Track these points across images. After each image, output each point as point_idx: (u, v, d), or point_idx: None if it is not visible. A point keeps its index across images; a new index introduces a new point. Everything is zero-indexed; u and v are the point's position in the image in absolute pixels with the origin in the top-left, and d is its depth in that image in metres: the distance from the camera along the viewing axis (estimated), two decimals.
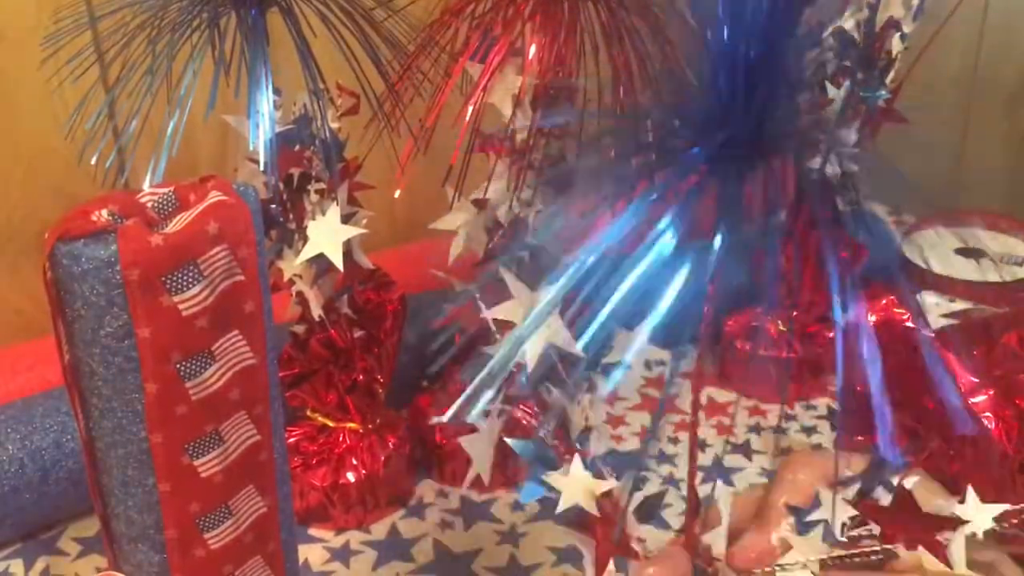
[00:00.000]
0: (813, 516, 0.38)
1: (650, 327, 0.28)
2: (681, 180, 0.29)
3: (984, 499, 0.53)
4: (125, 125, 0.49)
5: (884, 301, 0.58)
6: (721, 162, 0.30)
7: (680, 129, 0.30)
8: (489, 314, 0.38)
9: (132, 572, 0.44)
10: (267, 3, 0.50)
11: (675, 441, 0.67)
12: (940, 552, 0.37)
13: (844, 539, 0.38)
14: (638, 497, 0.37)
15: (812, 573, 0.37)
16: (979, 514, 0.38)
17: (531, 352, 0.32)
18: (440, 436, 0.64)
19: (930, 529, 0.37)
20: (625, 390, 0.72)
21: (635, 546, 0.38)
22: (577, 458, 0.37)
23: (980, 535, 0.37)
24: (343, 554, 0.59)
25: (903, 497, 0.38)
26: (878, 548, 0.38)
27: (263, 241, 0.42)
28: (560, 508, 0.37)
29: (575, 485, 0.37)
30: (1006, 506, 0.38)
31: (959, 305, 0.64)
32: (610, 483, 0.37)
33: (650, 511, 0.38)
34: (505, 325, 0.39)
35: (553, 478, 0.37)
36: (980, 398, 0.52)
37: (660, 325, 0.30)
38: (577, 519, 0.38)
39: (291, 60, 0.51)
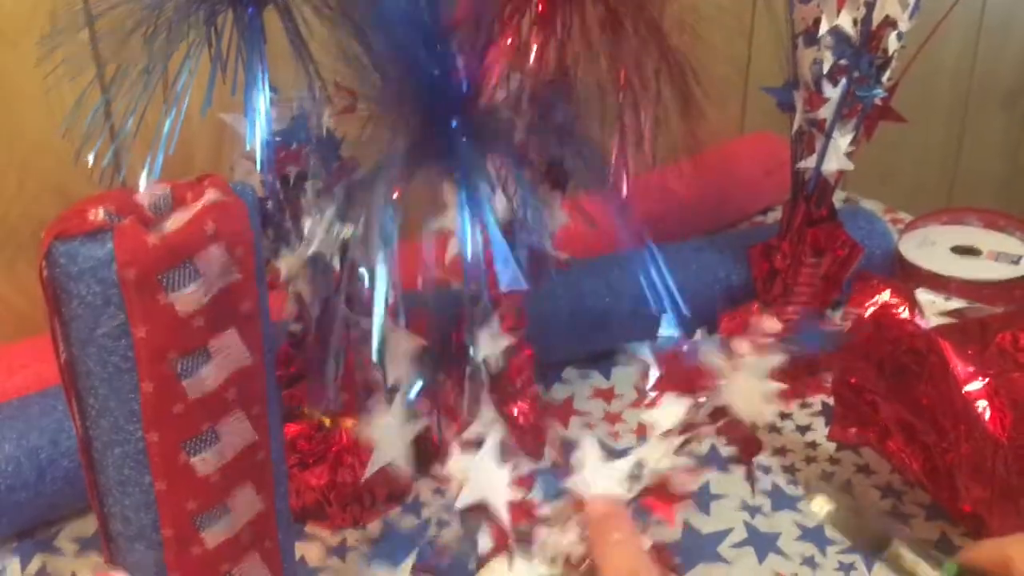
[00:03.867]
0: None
1: None
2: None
3: (976, 491, 0.54)
4: (122, 124, 0.49)
5: (879, 296, 0.58)
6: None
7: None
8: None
9: (129, 571, 0.44)
10: (263, 1, 0.50)
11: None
12: None
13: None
14: None
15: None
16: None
17: None
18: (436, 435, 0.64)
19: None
20: (621, 386, 0.72)
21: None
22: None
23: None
24: (340, 552, 0.59)
25: None
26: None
27: (260, 240, 0.42)
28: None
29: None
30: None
31: (955, 303, 0.64)
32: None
33: None
34: None
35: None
36: (974, 386, 0.52)
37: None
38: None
39: (288, 58, 0.51)
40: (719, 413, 0.40)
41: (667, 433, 0.40)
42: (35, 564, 0.58)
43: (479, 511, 0.40)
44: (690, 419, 0.40)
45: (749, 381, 0.41)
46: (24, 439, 0.57)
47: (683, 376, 0.40)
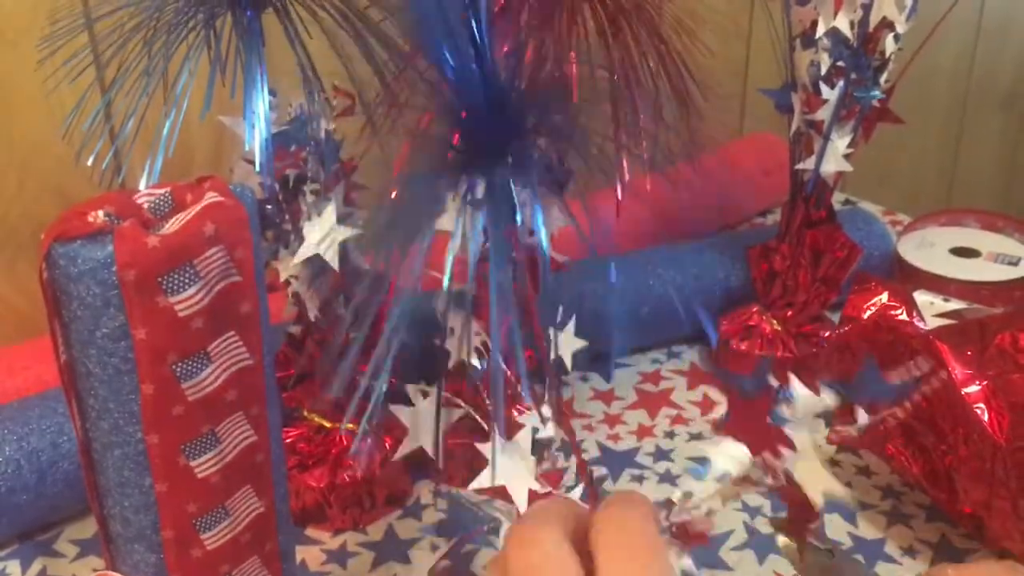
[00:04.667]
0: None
1: None
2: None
3: (975, 493, 0.54)
4: (121, 126, 0.49)
5: (878, 297, 0.58)
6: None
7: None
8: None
9: (129, 573, 0.44)
10: (263, 4, 0.50)
11: (671, 435, 0.67)
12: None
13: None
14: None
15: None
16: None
17: None
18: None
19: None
20: (621, 388, 0.73)
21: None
22: None
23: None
24: (340, 555, 0.59)
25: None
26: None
27: (259, 242, 0.42)
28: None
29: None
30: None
31: (954, 305, 0.64)
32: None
33: None
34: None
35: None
36: (973, 388, 0.52)
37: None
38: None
39: (287, 61, 0.51)
40: (780, 474, 0.39)
41: (721, 477, 0.39)
42: (36, 567, 0.58)
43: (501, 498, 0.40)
44: (747, 472, 0.39)
45: (816, 461, 0.39)
46: (24, 441, 0.57)
47: (755, 429, 0.39)
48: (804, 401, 0.39)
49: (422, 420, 0.41)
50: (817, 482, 0.39)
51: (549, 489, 0.40)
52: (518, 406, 0.43)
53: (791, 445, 0.38)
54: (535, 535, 0.34)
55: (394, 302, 0.34)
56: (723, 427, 0.39)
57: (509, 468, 0.40)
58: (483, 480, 0.40)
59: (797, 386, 0.39)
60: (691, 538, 0.38)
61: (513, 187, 0.35)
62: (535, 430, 0.41)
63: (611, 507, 0.35)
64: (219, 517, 0.43)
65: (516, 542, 0.34)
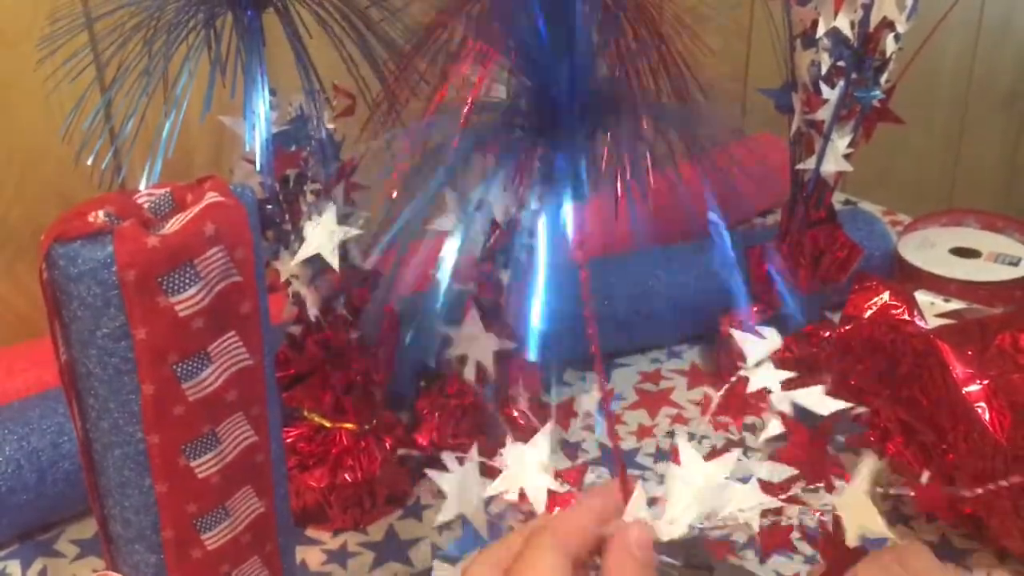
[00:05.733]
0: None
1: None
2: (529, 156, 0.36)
3: (976, 494, 0.53)
4: (121, 126, 0.49)
5: (879, 297, 0.58)
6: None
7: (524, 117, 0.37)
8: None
9: (129, 573, 0.44)
10: (263, 4, 0.50)
11: (671, 435, 0.67)
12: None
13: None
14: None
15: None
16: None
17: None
18: (438, 437, 0.64)
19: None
20: (621, 388, 0.73)
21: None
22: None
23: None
24: (340, 555, 0.59)
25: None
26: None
27: (260, 242, 0.42)
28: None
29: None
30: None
31: (954, 304, 0.64)
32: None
33: None
34: None
35: None
36: (973, 388, 0.52)
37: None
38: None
39: (287, 61, 0.51)
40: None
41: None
42: (36, 567, 0.58)
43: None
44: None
45: (865, 494, 0.38)
46: (25, 441, 0.57)
47: (812, 457, 0.39)
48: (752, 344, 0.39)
49: (462, 488, 0.41)
50: (857, 516, 0.38)
51: (569, 488, 0.40)
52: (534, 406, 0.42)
53: (842, 473, 0.37)
54: (538, 564, 0.34)
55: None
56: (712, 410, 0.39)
57: (526, 470, 0.39)
58: (498, 486, 0.40)
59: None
60: (718, 549, 0.37)
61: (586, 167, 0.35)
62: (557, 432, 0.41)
63: (622, 536, 0.36)
64: (219, 517, 0.43)
65: (521, 568, 0.34)
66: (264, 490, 0.45)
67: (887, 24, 0.61)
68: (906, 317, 0.57)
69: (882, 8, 0.61)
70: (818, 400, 0.39)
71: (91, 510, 0.44)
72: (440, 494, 0.41)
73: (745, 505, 0.37)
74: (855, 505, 0.38)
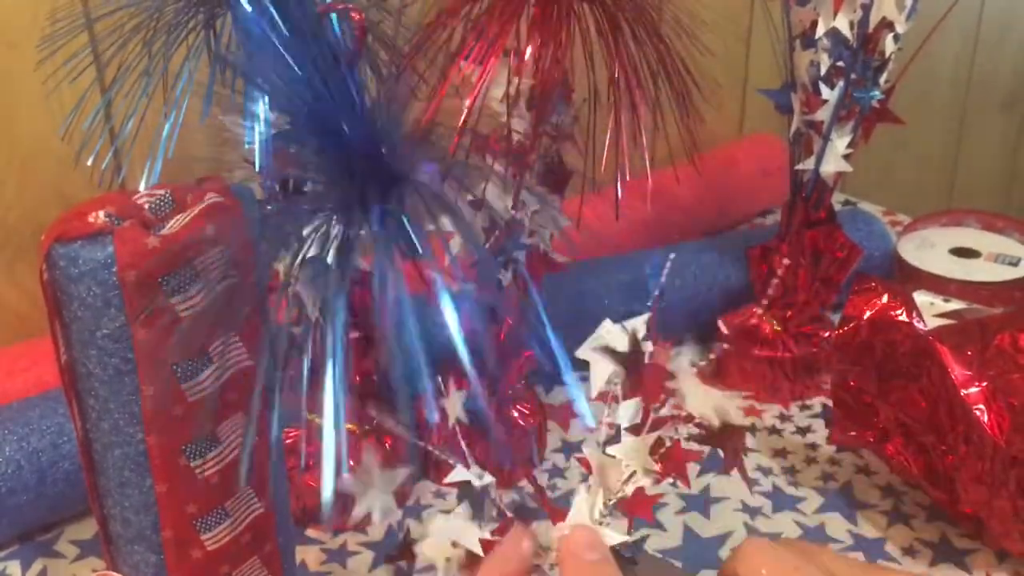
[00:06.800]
0: None
1: None
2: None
3: (975, 493, 0.54)
4: (121, 126, 0.49)
5: (878, 298, 0.58)
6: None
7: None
8: None
9: (129, 573, 0.44)
10: None
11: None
12: None
13: None
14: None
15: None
16: None
17: None
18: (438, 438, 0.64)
19: None
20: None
21: None
22: None
23: None
24: (340, 555, 0.59)
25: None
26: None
27: (260, 242, 0.42)
28: None
29: None
30: None
31: (954, 305, 0.64)
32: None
33: None
34: None
35: None
36: (973, 389, 0.52)
37: None
38: None
39: None
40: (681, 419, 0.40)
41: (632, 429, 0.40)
42: (36, 567, 0.58)
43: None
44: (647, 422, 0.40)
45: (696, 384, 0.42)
46: (25, 442, 0.57)
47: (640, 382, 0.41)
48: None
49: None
50: (705, 403, 0.41)
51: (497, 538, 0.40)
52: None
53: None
54: None
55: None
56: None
57: (452, 529, 0.40)
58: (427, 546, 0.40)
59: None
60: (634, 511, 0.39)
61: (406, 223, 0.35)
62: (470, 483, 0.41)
63: (568, 545, 0.37)
64: (219, 518, 0.43)
65: None
66: (264, 490, 0.45)
67: (886, 24, 0.61)
68: (905, 318, 0.57)
69: (881, 8, 0.61)
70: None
71: (91, 510, 0.44)
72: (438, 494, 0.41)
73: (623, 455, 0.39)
74: (694, 395, 0.41)
